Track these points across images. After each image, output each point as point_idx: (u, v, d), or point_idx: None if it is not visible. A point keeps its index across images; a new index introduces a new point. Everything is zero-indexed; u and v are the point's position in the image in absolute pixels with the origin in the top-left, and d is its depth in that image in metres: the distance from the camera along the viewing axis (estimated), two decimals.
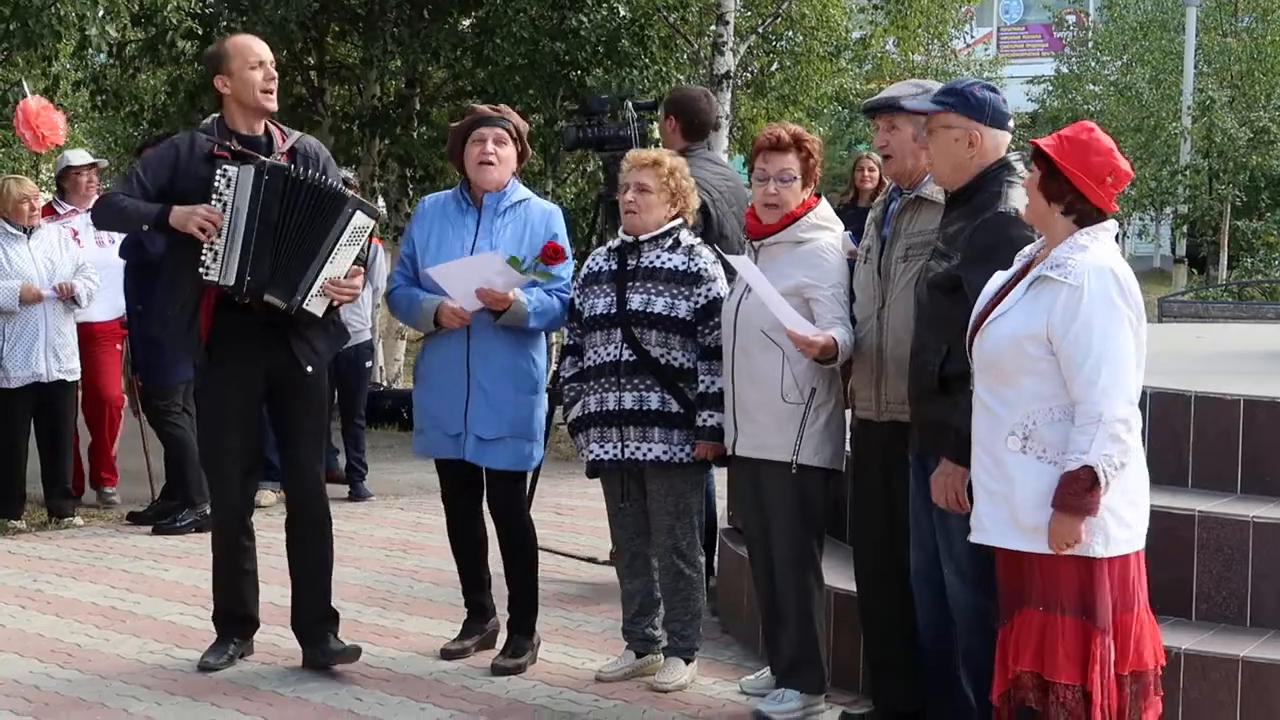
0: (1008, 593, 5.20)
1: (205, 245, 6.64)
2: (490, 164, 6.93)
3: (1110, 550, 5.00)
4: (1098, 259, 5.00)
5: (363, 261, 7.01)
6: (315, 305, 6.80)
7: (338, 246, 6.76)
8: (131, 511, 10.47)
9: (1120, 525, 5.01)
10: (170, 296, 6.92)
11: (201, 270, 6.66)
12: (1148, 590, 5.90)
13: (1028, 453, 5.04)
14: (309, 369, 6.92)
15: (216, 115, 7.00)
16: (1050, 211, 5.10)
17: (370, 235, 6.96)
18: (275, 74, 6.88)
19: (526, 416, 6.96)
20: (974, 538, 5.25)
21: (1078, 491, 4.89)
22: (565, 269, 6.97)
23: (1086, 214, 5.06)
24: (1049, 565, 5.03)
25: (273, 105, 6.87)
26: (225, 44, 6.92)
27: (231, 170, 6.69)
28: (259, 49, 6.87)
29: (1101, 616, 5.01)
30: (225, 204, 6.66)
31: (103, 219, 7.12)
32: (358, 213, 6.80)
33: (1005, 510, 5.08)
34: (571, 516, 10.26)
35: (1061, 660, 5.01)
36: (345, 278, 6.83)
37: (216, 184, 6.66)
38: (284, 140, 6.93)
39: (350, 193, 6.91)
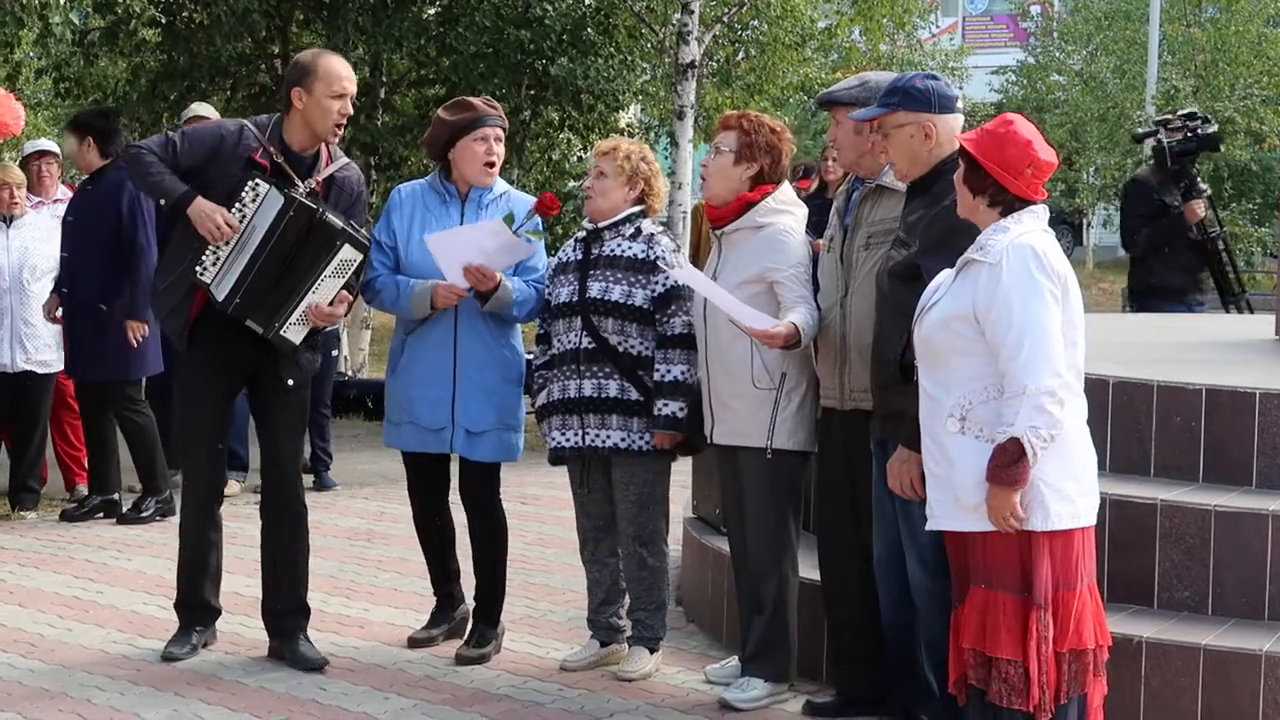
0: (958, 574, 5.26)
1: (209, 246, 6.59)
2: (494, 163, 6.95)
3: (1050, 524, 5.05)
4: (1016, 237, 5.09)
5: (351, 289, 6.87)
6: (292, 333, 6.75)
7: (321, 278, 6.69)
8: (64, 510, 10.21)
9: (1061, 499, 5.06)
10: (167, 269, 6.85)
11: (198, 269, 6.62)
12: (1108, 577, 5.96)
13: (966, 433, 5.11)
14: (289, 382, 6.90)
15: (277, 115, 6.86)
16: (976, 204, 5.22)
17: (359, 268, 6.81)
18: (350, 109, 6.76)
19: (512, 407, 6.97)
20: (928, 526, 5.32)
21: (1005, 463, 4.96)
22: (540, 259, 6.98)
23: (1010, 204, 5.17)
24: (989, 542, 5.09)
25: (338, 136, 6.80)
26: (317, 61, 6.74)
27: (263, 188, 6.60)
28: (347, 80, 6.73)
29: (1039, 591, 5.05)
30: (245, 216, 6.60)
31: (130, 170, 6.93)
32: (346, 246, 6.70)
33: (949, 493, 5.15)
34: (536, 506, 10.27)
35: (1004, 636, 5.07)
36: (330, 304, 6.76)
37: (244, 194, 6.59)
38: (327, 165, 6.82)
39: (340, 224, 6.71)
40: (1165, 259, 11.60)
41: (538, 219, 6.78)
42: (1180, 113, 12.17)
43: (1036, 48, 37.52)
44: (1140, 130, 12.32)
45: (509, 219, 6.69)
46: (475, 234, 6.76)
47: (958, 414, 5.12)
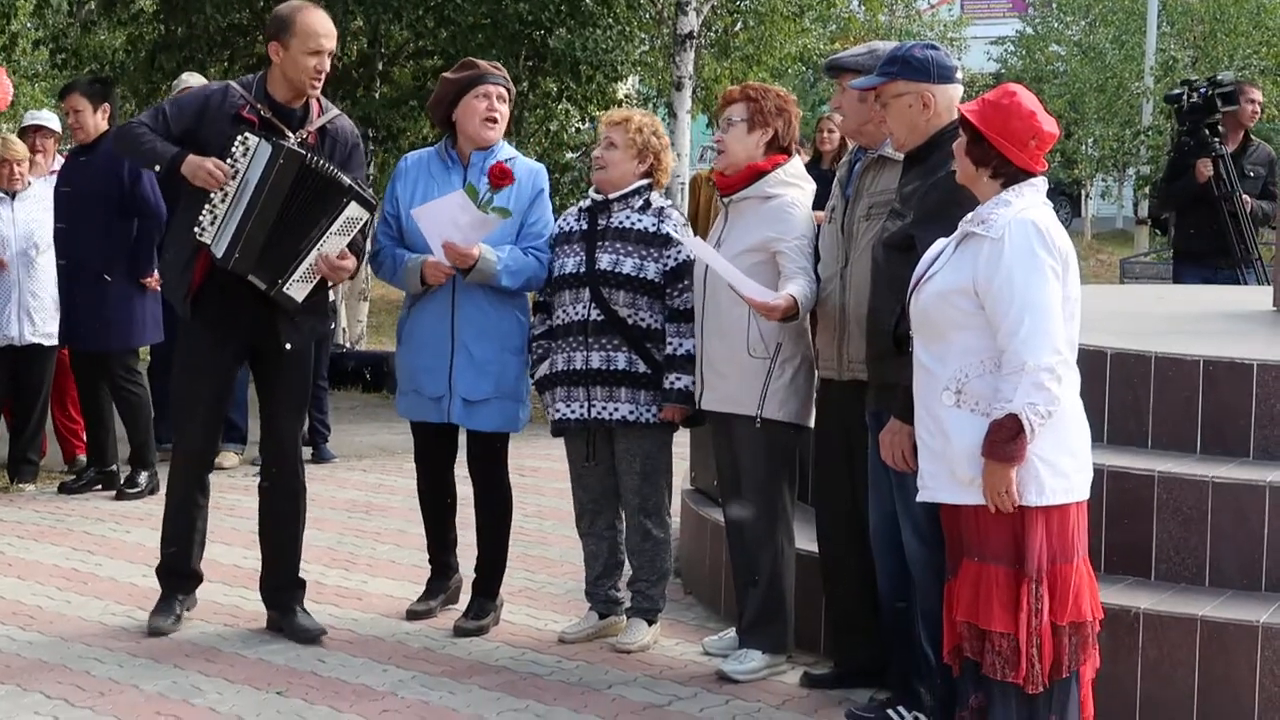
0: (952, 546, 5.27)
1: (206, 205, 6.59)
2: (495, 120, 6.90)
3: (1045, 499, 5.05)
4: (1019, 212, 5.08)
5: (358, 249, 6.87)
6: (295, 290, 6.73)
7: (326, 235, 6.68)
8: (62, 483, 10.25)
9: (1056, 475, 5.06)
10: (174, 239, 6.86)
11: (197, 229, 6.62)
12: (1106, 548, 5.96)
13: (962, 406, 5.10)
14: (288, 346, 6.87)
15: (261, 73, 6.87)
16: (978, 175, 5.20)
17: (365, 227, 6.81)
18: (328, 65, 6.72)
19: (513, 377, 6.94)
20: (920, 497, 5.32)
21: (1002, 439, 4.95)
22: (545, 226, 6.95)
23: (1012, 176, 5.15)
24: (983, 516, 5.09)
25: (316, 91, 6.75)
26: (295, 16, 6.70)
27: (252, 140, 6.60)
28: (324, 37, 6.68)
29: (1030, 565, 5.05)
30: (237, 172, 6.59)
31: (120, 146, 6.95)
32: (352, 204, 6.68)
33: (944, 466, 5.15)
34: (535, 478, 10.27)
35: (996, 610, 5.07)
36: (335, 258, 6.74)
37: (234, 149, 6.59)
38: (319, 116, 6.81)
39: (348, 182, 6.71)
40: (1184, 220, 11.53)
41: (504, 191, 6.71)
42: (1209, 77, 12.13)
43: (1035, 18, 37.45)
44: (1175, 91, 12.23)
45: (471, 190, 6.65)
46: (447, 207, 6.71)
47: (954, 387, 5.12)
